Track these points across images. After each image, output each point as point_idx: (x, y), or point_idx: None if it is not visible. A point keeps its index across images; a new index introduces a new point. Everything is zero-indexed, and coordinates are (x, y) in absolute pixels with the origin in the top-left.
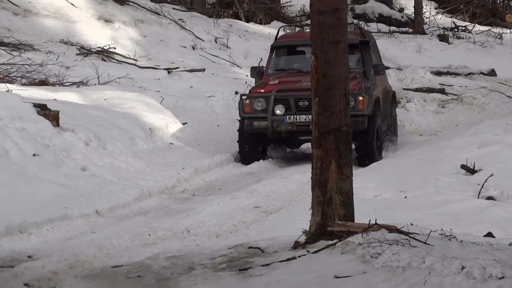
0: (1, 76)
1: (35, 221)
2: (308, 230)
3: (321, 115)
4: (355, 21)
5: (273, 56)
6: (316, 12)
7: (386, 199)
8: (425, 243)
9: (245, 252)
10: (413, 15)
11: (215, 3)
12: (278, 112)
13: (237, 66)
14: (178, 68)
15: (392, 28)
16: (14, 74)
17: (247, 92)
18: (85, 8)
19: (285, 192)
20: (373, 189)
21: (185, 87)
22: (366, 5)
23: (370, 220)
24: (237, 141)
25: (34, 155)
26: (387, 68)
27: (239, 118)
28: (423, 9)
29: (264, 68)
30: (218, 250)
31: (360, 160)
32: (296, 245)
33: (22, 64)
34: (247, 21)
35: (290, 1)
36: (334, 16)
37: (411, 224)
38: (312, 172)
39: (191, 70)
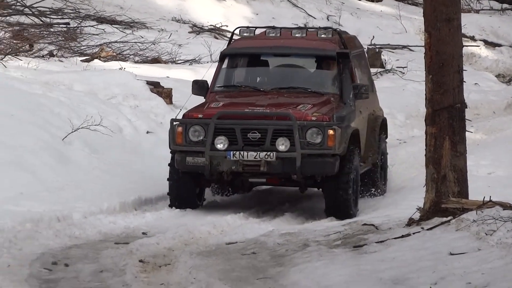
0: (114, 54)
1: (150, 198)
2: (422, 207)
3: (435, 92)
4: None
5: (223, 67)
6: None
7: (500, 176)
8: None
9: (359, 229)
10: None
11: None
12: (219, 146)
13: None
14: None
15: (505, 5)
16: (127, 52)
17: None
18: None
19: (400, 168)
20: (487, 167)
21: None
22: None
23: (484, 197)
24: (167, 179)
25: (147, 132)
26: (499, 45)
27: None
28: None
29: (211, 84)
30: (332, 227)
31: (329, 213)
32: (410, 222)
33: (135, 42)
34: None
35: None
36: None
37: None
38: (426, 150)
39: None
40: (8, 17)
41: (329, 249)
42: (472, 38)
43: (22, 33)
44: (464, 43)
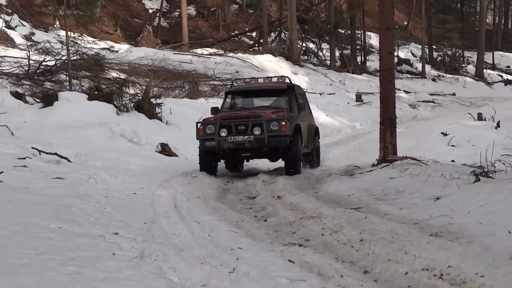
0: None
1: None
2: (377, 159)
3: (384, 111)
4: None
5: (226, 99)
6: (382, 69)
7: (410, 146)
8: (426, 164)
9: (352, 168)
10: (421, 70)
11: (340, 66)
12: (222, 134)
13: (348, 92)
14: (323, 92)
15: (412, 76)
16: None
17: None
18: (285, 68)
19: (369, 143)
20: (405, 142)
21: (326, 101)
22: (401, 66)
23: (403, 155)
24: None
25: None
26: (410, 92)
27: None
28: (426, 68)
29: (220, 108)
30: (340, 167)
31: (288, 171)
32: (373, 165)
33: None
34: (353, 73)
35: (370, 65)
36: (390, 71)
37: (420, 156)
38: (379, 135)
39: (330, 94)
40: (207, 82)
41: (339, 176)
42: (399, 89)
43: (214, 88)
44: (396, 91)
